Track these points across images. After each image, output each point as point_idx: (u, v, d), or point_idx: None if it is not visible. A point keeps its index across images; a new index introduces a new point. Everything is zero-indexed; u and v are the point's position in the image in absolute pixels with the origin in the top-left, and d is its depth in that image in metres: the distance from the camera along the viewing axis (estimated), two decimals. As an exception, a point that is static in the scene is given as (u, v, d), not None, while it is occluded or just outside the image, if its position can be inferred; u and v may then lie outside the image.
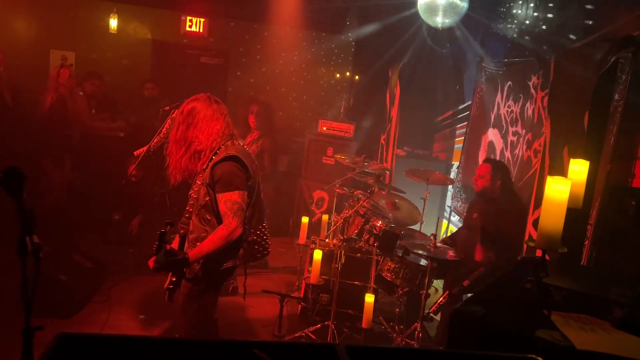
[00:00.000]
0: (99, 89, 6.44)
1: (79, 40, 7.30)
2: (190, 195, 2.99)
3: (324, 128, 6.99)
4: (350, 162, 4.94)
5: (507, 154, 5.16)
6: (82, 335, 1.11)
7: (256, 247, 3.06)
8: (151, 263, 2.77)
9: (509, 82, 5.19)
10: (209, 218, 2.88)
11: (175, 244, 3.04)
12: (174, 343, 1.13)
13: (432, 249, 3.97)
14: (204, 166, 2.90)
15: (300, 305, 4.71)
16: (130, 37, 7.53)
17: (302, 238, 5.03)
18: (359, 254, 4.68)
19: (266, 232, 3.15)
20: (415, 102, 7.24)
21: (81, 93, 6.15)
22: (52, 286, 4.11)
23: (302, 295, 4.69)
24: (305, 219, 5.06)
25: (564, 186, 1.59)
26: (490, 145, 5.57)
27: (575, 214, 2.23)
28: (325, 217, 5.63)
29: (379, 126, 6.93)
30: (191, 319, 2.95)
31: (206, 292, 2.96)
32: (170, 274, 2.97)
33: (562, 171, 2.84)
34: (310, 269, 4.34)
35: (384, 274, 4.41)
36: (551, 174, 3.06)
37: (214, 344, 1.09)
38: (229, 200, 2.77)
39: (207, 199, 2.87)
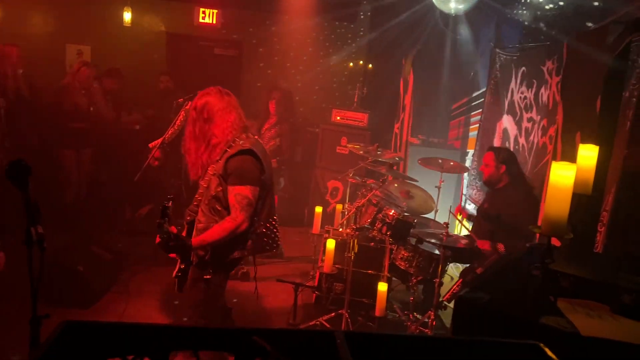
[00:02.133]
0: (118, 86, 6.52)
1: (94, 34, 7.37)
2: (200, 184, 3.02)
3: (338, 117, 6.98)
4: (363, 151, 4.93)
5: (522, 140, 5.10)
6: (87, 323, 1.14)
7: (265, 239, 3.08)
8: (157, 240, 2.78)
9: (523, 68, 5.12)
10: (219, 209, 2.90)
11: (184, 233, 3.07)
12: (176, 330, 1.15)
13: (444, 238, 3.96)
14: (218, 157, 2.92)
15: (314, 294, 4.74)
16: (145, 30, 7.59)
17: (316, 228, 5.04)
18: (372, 243, 4.68)
19: (276, 225, 3.17)
20: (429, 89, 7.18)
21: (99, 89, 6.22)
22: (70, 277, 4.20)
23: (316, 284, 4.72)
24: (318, 209, 5.08)
25: (569, 171, 1.58)
26: (505, 132, 5.51)
27: (585, 200, 2.21)
28: (339, 206, 5.64)
29: (392, 115, 6.90)
30: (197, 304, 2.99)
31: (214, 280, 2.99)
32: (178, 261, 3.02)
33: (574, 157, 2.78)
34: (324, 258, 4.36)
35: (397, 263, 4.41)
36: (564, 160, 3.02)
37: (214, 331, 1.11)
38: (239, 194, 2.79)
39: (220, 189, 2.89)
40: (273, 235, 3.14)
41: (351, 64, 7.33)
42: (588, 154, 2.04)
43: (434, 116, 7.47)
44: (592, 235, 2.55)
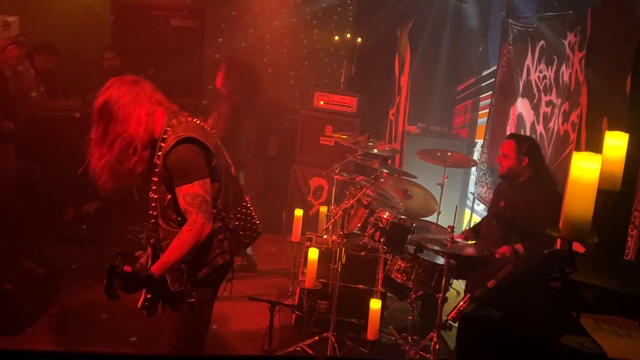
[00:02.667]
0: (54, 65, 6.44)
1: (23, 2, 7.26)
2: (150, 197, 2.99)
3: (321, 102, 6.99)
4: (352, 143, 4.96)
5: (540, 128, 5.17)
6: (15, 353, 1.13)
7: (242, 232, 3.07)
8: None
9: (542, 42, 5.18)
10: (178, 218, 2.88)
11: (145, 259, 3.05)
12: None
13: (449, 244, 3.99)
14: (156, 159, 2.87)
15: (294, 315, 4.75)
16: (84, -3, 7.50)
17: (296, 235, 5.06)
18: (363, 252, 4.71)
19: (250, 210, 3.15)
20: (430, 68, 7.22)
21: (29, 69, 6.15)
22: (-4, 299, 4.15)
23: (296, 302, 4.73)
24: (299, 212, 5.10)
25: (593, 164, 1.60)
26: (520, 118, 5.57)
27: (613, 197, 2.24)
28: (323, 209, 5.67)
29: (387, 99, 6.93)
30: (178, 326, 2.97)
31: (199, 305, 2.95)
32: (143, 292, 2.99)
33: (600, 147, 2.84)
34: (305, 271, 4.37)
35: (393, 275, 4.43)
36: (588, 151, 3.07)
37: None
38: (189, 194, 2.76)
39: (169, 197, 2.86)
40: (249, 225, 3.13)
41: (337, 38, 7.34)
42: (616, 143, 2.07)
43: (435, 100, 7.52)
44: (622, 239, 2.60)
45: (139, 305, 2.97)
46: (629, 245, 3.35)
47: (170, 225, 2.90)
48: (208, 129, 3.03)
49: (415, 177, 4.96)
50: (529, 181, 4.36)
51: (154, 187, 2.93)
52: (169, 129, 2.85)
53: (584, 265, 2.06)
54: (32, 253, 4.94)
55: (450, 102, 7.62)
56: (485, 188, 6.06)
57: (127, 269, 2.69)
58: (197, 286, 2.91)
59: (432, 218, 5.37)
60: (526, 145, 4.36)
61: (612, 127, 2.82)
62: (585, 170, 1.61)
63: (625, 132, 2.15)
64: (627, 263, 2.74)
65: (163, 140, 2.84)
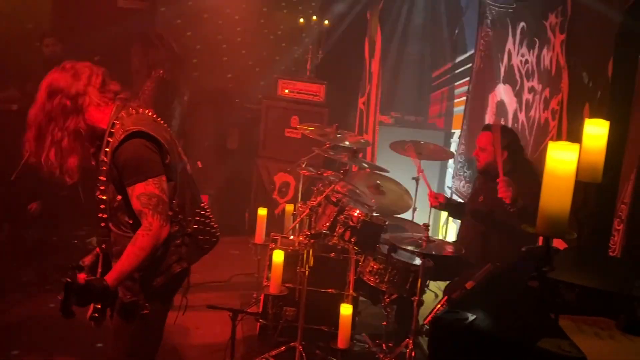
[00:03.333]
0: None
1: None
2: (97, 197, 2.95)
3: (286, 91, 6.99)
4: (319, 134, 4.96)
5: (522, 117, 5.24)
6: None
7: (201, 237, 3.04)
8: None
9: (522, 23, 5.25)
10: (130, 222, 2.84)
11: (89, 259, 3.02)
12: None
13: (424, 244, 4.03)
14: (103, 156, 2.83)
15: (258, 323, 4.74)
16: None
17: (260, 236, 5.06)
18: (332, 254, 4.72)
19: (208, 212, 3.14)
20: (403, 52, 7.26)
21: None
22: None
23: (260, 310, 4.72)
24: (262, 211, 5.09)
25: (570, 154, 1.63)
26: (501, 106, 5.64)
27: (595, 190, 2.29)
28: (289, 207, 5.67)
29: (357, 86, 6.95)
30: (127, 341, 2.94)
31: (151, 318, 2.91)
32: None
33: (581, 136, 2.90)
34: (270, 275, 4.37)
35: (365, 278, 4.46)
36: (570, 140, 3.12)
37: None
38: (143, 194, 2.72)
39: (120, 198, 2.82)
40: (208, 228, 3.10)
41: (302, 21, 7.31)
42: (596, 132, 2.11)
43: (410, 88, 7.56)
44: (606, 234, 2.65)
45: (87, 317, 2.93)
46: (615, 240, 3.42)
47: (122, 229, 2.86)
48: (161, 122, 2.99)
49: (387, 172, 5.00)
50: (509, 175, 4.41)
51: (101, 187, 2.88)
52: (117, 121, 2.80)
53: (565, 263, 2.10)
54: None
55: (425, 90, 7.67)
56: (464, 182, 6.13)
57: (81, 280, 2.67)
58: (151, 296, 2.88)
59: (407, 215, 5.42)
60: (505, 137, 4.40)
61: (594, 114, 2.87)
62: (562, 162, 1.64)
63: (607, 119, 2.20)
64: (613, 260, 2.79)
65: (111, 134, 2.79)
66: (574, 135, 2.93)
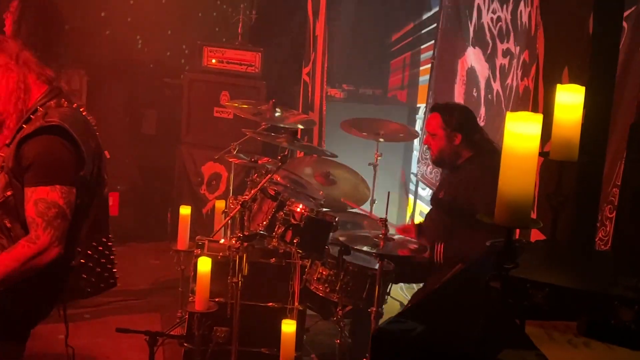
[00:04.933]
0: None
1: None
2: None
3: (213, 60, 6.95)
4: (253, 113, 4.95)
5: (496, 86, 5.33)
6: None
7: (85, 276, 3.08)
8: None
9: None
10: (8, 225, 2.87)
11: None
12: None
13: (382, 243, 4.07)
14: (7, 140, 2.86)
15: (183, 348, 4.72)
16: None
17: (183, 241, 5.04)
18: (272, 259, 4.71)
19: (110, 251, 3.16)
20: (355, 12, 7.29)
21: None
22: None
23: (185, 331, 4.71)
24: (185, 210, 5.07)
25: (532, 126, 1.66)
26: (471, 73, 5.73)
27: (575, 170, 2.35)
28: (219, 204, 5.65)
29: (300, 54, 6.96)
30: None
31: (3, 346, 2.93)
32: None
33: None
34: (195, 288, 4.36)
35: (313, 287, 4.49)
36: (547, 111, 3.19)
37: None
38: (43, 201, 2.75)
39: (9, 193, 2.84)
40: (100, 269, 3.14)
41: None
42: (570, 100, 2.16)
43: (364, 54, 7.60)
44: (588, 223, 2.71)
45: None
46: (607, 230, 3.51)
47: None
48: (93, 127, 3.05)
49: (335, 157, 5.02)
50: (469, 161, 4.48)
51: None
52: (42, 109, 2.85)
53: (535, 258, 2.15)
54: None
55: (384, 57, 7.73)
56: (431, 167, 6.21)
57: None
58: (5, 324, 2.88)
59: (364, 208, 5.46)
60: (455, 117, 4.46)
61: (574, 79, 2.93)
62: (522, 136, 1.66)
63: (586, 85, 2.25)
64: (597, 254, 2.86)
65: (28, 120, 2.84)
66: (552, 105, 2.99)
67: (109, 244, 3.19)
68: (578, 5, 2.95)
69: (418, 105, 7.16)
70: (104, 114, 7.13)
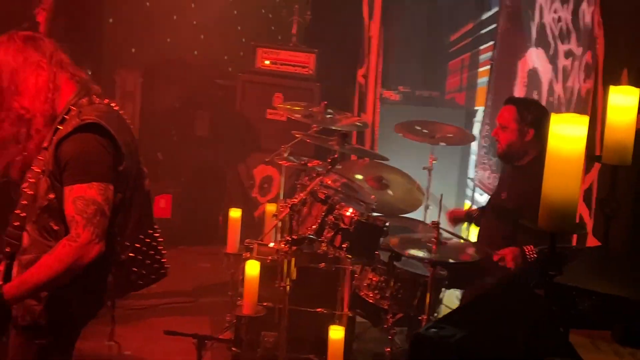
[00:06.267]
0: None
1: None
2: (22, 191, 2.99)
3: (267, 62, 7.00)
4: (304, 115, 4.97)
5: (558, 88, 5.25)
6: None
7: (135, 269, 3.10)
8: None
9: (556, -31, 5.26)
10: (55, 228, 2.87)
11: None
12: None
13: (434, 248, 4.04)
14: (45, 144, 2.91)
15: (231, 352, 4.77)
16: None
17: (232, 244, 5.07)
18: (322, 264, 4.73)
19: (158, 242, 3.20)
20: (412, 12, 7.26)
21: None
22: None
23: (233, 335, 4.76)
24: (235, 213, 5.11)
25: (578, 128, 1.65)
26: (533, 75, 5.66)
27: (625, 175, 2.31)
28: (270, 207, 5.68)
29: (354, 55, 6.97)
30: None
31: (51, 350, 2.95)
32: None
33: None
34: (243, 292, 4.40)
35: (362, 294, 4.48)
36: (604, 113, 3.14)
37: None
38: (82, 198, 2.76)
39: (52, 196, 2.86)
40: (150, 261, 3.16)
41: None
42: (623, 102, 2.13)
43: (421, 56, 7.57)
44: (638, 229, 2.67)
45: None
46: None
47: (43, 235, 2.88)
48: (126, 120, 3.08)
49: (386, 160, 5.01)
50: (534, 162, 4.41)
51: (30, 180, 2.92)
52: (74, 108, 2.88)
53: (586, 266, 2.13)
54: None
55: (442, 58, 7.68)
56: (489, 172, 6.15)
57: None
58: (54, 326, 2.91)
59: (418, 214, 5.43)
60: (531, 112, 4.41)
61: (633, 81, 2.89)
62: (567, 138, 1.65)
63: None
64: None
65: (63, 121, 2.86)
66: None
67: (156, 235, 3.19)
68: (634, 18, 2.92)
69: (476, 108, 7.08)
70: (157, 115, 7.31)
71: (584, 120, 1.66)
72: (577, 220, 2.66)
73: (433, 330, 1.75)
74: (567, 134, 1.66)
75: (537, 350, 1.68)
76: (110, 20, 7.09)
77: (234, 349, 4.71)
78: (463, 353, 1.68)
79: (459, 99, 7.49)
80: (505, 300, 1.98)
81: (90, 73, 3.44)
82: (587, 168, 3.15)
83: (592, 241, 3.02)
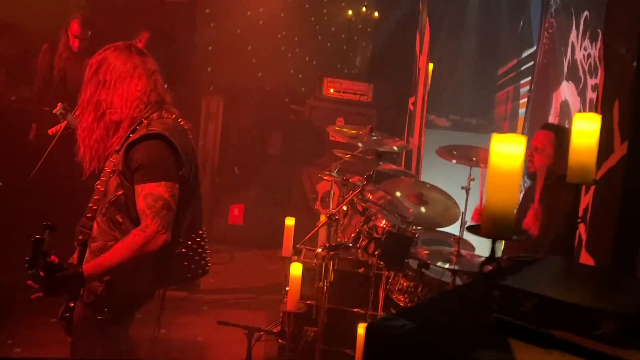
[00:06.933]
0: (12, 47, 6.64)
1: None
2: (96, 187, 3.15)
3: (332, 90, 7.10)
4: (349, 137, 5.03)
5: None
6: None
7: (186, 263, 3.19)
8: (34, 284, 2.82)
9: (586, 13, 5.18)
10: (120, 220, 3.01)
11: (74, 259, 3.19)
12: None
13: (454, 259, 4.04)
14: (117, 146, 3.04)
15: (278, 343, 4.84)
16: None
17: (287, 248, 5.14)
18: (361, 269, 4.76)
19: (204, 240, 3.29)
20: (464, 48, 7.24)
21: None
22: None
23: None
24: (290, 221, 5.18)
25: (516, 146, 1.65)
26: (564, 106, 5.58)
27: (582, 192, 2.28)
28: (324, 218, 5.75)
29: (407, 84, 7.00)
30: (82, 348, 3.11)
31: (109, 324, 3.09)
32: (66, 297, 3.14)
33: (609, 141, 2.86)
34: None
35: (394, 297, 4.49)
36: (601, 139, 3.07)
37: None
38: (151, 195, 2.89)
39: (120, 192, 3.00)
40: (198, 258, 3.25)
41: (350, 12, 7.42)
42: (586, 127, 2.11)
43: (472, 87, 7.54)
44: (630, 243, 2.62)
45: (58, 316, 3.11)
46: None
47: (109, 226, 3.02)
48: (189, 135, 3.20)
49: (413, 176, 5.02)
50: (559, 181, 4.34)
51: (102, 178, 3.09)
52: (145, 120, 3.01)
53: (541, 272, 2.10)
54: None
55: (490, 90, 7.63)
56: (522, 193, 6.05)
57: (54, 259, 2.80)
58: (112, 304, 3.03)
59: (454, 229, 5.40)
60: (566, 139, 4.33)
61: (623, 111, 2.84)
62: (506, 156, 1.66)
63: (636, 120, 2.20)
64: (612, 274, 2.72)
65: (134, 130, 2.99)
66: (604, 135, 2.88)
67: (204, 235, 3.29)
68: (627, 51, 2.86)
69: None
70: (236, 135, 7.48)
71: (522, 139, 1.67)
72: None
73: (387, 321, 1.78)
74: (506, 152, 1.67)
75: (474, 342, 1.69)
76: (209, 48, 7.33)
77: (280, 340, 4.78)
78: (408, 341, 1.70)
79: (503, 127, 7.43)
80: (458, 298, 1.99)
81: (179, 96, 3.56)
82: (586, 189, 3.10)
83: (585, 255, 2.97)
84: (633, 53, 2.74)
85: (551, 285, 1.90)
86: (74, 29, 6.09)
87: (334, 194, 7.04)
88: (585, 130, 2.11)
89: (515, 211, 1.69)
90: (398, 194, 5.18)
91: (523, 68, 6.99)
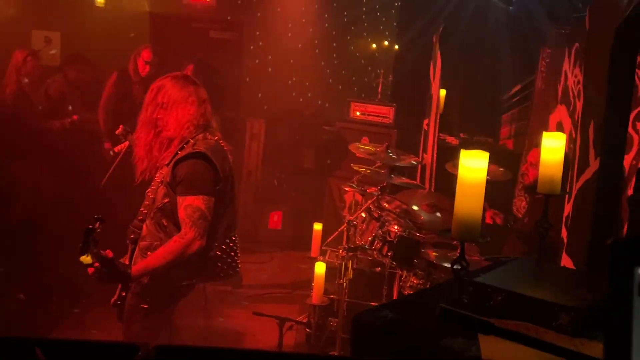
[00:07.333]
0: (87, 75, 6.81)
1: (64, 17, 7.76)
2: (146, 194, 3.24)
3: (357, 113, 7.13)
4: (366, 153, 5.05)
5: (578, 138, 5.10)
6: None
7: (219, 264, 3.27)
8: (90, 270, 2.89)
9: (576, 44, 5.12)
10: (165, 224, 3.10)
11: (127, 255, 3.29)
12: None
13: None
14: (167, 160, 3.13)
15: (305, 332, 4.86)
16: (124, 10, 7.96)
17: (315, 250, 5.18)
18: (378, 268, 4.76)
19: (236, 245, 3.36)
20: (474, 74, 7.22)
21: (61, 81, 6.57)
22: (8, 307, 4.51)
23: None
24: (317, 226, 5.22)
25: (480, 161, 1.67)
26: (559, 127, 5.50)
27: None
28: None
29: (422, 108, 7.00)
30: (131, 330, 3.19)
31: (151, 312, 3.17)
32: (119, 287, 3.23)
33: (586, 156, 2.84)
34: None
35: (406, 293, 4.47)
36: (580, 164, 3.05)
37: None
38: (190, 206, 2.98)
39: (166, 200, 3.09)
40: (230, 260, 3.32)
41: (374, 45, 7.47)
42: (553, 145, 2.11)
43: (481, 109, 7.50)
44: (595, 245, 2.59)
45: (112, 302, 3.20)
46: None
47: (156, 228, 3.12)
48: (229, 155, 3.28)
49: (422, 187, 5.00)
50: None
51: (153, 187, 3.18)
52: (192, 140, 3.10)
53: (509, 271, 2.10)
54: (52, 267, 5.26)
55: (497, 111, 7.57)
56: (524, 202, 5.99)
57: (109, 253, 2.88)
58: (155, 295, 3.13)
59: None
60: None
61: (597, 131, 2.82)
62: (472, 170, 1.68)
63: (606, 138, 2.19)
64: (577, 272, 2.69)
65: (182, 148, 3.09)
66: (582, 155, 2.86)
67: (236, 241, 3.36)
68: (603, 66, 2.84)
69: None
70: (275, 152, 7.56)
71: (485, 155, 1.68)
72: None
73: (372, 312, 1.80)
74: (472, 166, 1.69)
75: (445, 331, 1.70)
76: (247, 79, 7.45)
77: (307, 329, 4.81)
78: (389, 330, 1.72)
79: (509, 145, 7.35)
80: (438, 294, 2.00)
81: (227, 118, 3.63)
82: (569, 198, 3.07)
83: (565, 257, 2.94)
84: (604, 83, 2.72)
85: (518, 283, 1.90)
86: (146, 56, 6.30)
87: (358, 202, 7.11)
88: (553, 147, 2.11)
89: (480, 217, 1.70)
90: (415, 207, 5.15)
91: (527, 92, 6.93)
